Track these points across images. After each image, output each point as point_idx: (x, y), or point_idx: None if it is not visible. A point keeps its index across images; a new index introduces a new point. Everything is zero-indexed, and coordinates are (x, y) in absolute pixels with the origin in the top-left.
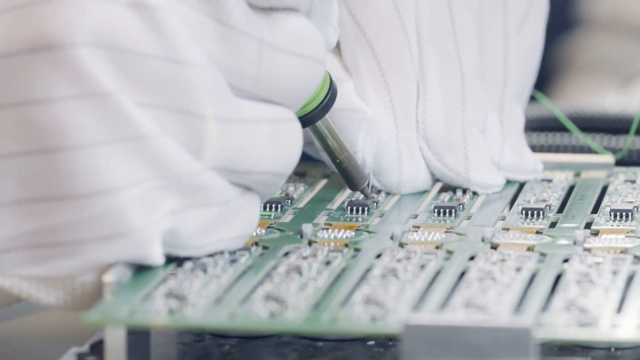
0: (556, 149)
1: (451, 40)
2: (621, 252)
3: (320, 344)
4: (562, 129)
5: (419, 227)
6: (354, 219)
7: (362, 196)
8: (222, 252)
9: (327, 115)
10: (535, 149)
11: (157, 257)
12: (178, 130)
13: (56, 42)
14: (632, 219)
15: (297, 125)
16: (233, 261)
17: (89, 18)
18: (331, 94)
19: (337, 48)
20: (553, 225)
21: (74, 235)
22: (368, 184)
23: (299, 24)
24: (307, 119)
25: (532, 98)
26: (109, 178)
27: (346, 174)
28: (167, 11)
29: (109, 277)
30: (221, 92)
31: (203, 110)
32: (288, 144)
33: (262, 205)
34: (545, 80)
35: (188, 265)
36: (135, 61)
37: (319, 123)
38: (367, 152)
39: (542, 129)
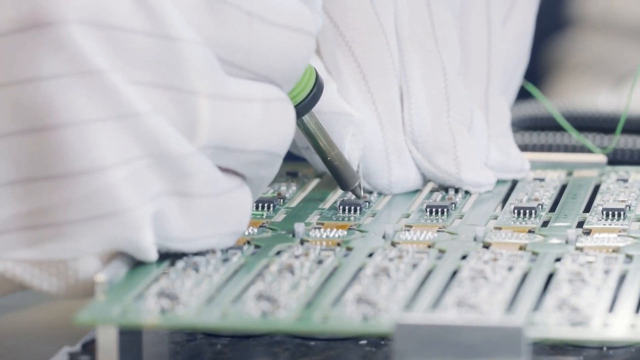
0: (548, 148)
1: (431, 39)
2: (613, 251)
3: (312, 343)
4: (554, 128)
5: (411, 227)
6: (346, 218)
7: (354, 196)
8: (214, 251)
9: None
10: (527, 148)
11: (148, 241)
12: (170, 108)
13: (46, 20)
14: (624, 218)
15: (289, 105)
16: (225, 260)
17: None
18: (317, 87)
19: (318, 50)
20: (545, 224)
21: (65, 216)
22: (359, 185)
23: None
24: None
25: (527, 96)
26: (100, 156)
27: (337, 173)
28: None
29: (100, 277)
30: (213, 69)
31: (195, 87)
32: (281, 123)
33: (255, 204)
34: (538, 79)
35: (180, 264)
36: (125, 38)
37: (307, 120)
38: (353, 155)
39: (534, 128)
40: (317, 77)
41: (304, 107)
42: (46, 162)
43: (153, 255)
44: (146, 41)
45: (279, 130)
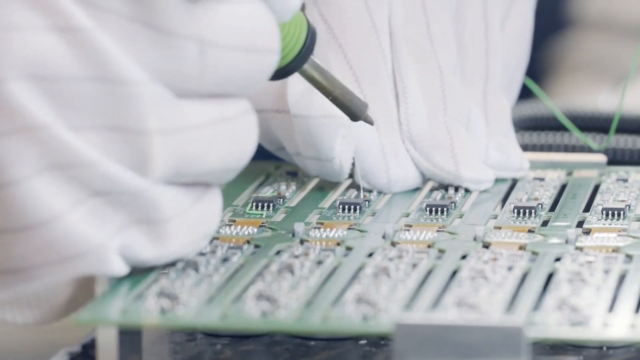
0: (548, 148)
1: (427, 39)
2: (613, 250)
3: (312, 343)
4: (554, 127)
5: (410, 226)
6: (346, 218)
7: (354, 195)
8: (214, 251)
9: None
10: (527, 147)
11: (116, 268)
12: (119, 150)
13: None
14: (624, 218)
15: (250, 118)
16: (225, 260)
17: (15, 52)
18: (310, 38)
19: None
20: (545, 223)
21: (31, 262)
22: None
23: (245, 13)
24: (288, 70)
25: (527, 96)
26: (51, 206)
27: (344, 108)
28: (94, 31)
29: (101, 277)
30: (162, 103)
31: (144, 126)
32: (240, 140)
33: (254, 203)
34: (538, 79)
35: (180, 264)
36: (67, 87)
37: (306, 67)
38: (344, 158)
39: (534, 127)
40: (309, 26)
41: (297, 63)
42: (3, 218)
43: (124, 273)
44: (90, 87)
45: (239, 147)
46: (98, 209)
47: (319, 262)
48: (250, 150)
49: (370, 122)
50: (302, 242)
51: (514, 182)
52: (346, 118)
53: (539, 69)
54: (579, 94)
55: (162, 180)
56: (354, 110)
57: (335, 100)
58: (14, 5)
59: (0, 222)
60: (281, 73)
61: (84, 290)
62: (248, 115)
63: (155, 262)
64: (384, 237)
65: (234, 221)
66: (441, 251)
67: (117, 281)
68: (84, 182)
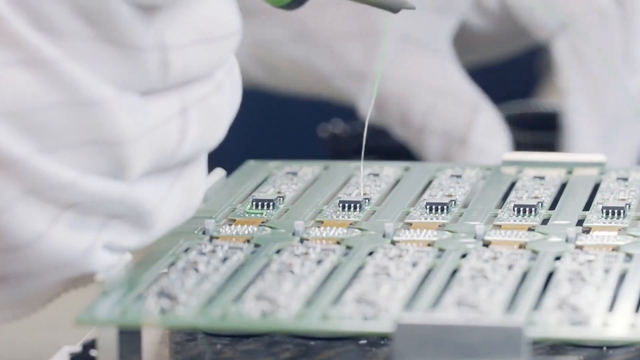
0: (548, 147)
1: None
2: (613, 249)
3: (312, 343)
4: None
5: (410, 224)
6: (346, 217)
7: (354, 194)
8: (214, 251)
9: None
10: (527, 147)
11: (103, 265)
12: (97, 161)
13: None
14: (624, 217)
15: (220, 91)
16: (225, 260)
17: None
18: None
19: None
20: (545, 222)
21: (22, 272)
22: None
23: (203, 8)
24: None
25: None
26: (35, 227)
27: (379, 5)
28: (60, 60)
29: (100, 277)
30: (132, 111)
31: (118, 136)
32: (212, 116)
33: (255, 202)
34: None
35: (180, 264)
36: (40, 117)
37: None
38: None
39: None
40: None
41: None
42: None
43: (111, 265)
44: (63, 112)
45: (211, 125)
46: (79, 217)
47: (319, 262)
48: (225, 121)
49: (412, 7)
50: (302, 241)
51: (514, 181)
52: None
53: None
54: None
55: (140, 177)
56: (388, 2)
57: (367, 1)
58: None
59: None
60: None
61: (67, 285)
62: (217, 91)
63: (143, 246)
64: (384, 236)
65: (234, 220)
66: (441, 250)
67: (117, 281)
68: (64, 200)
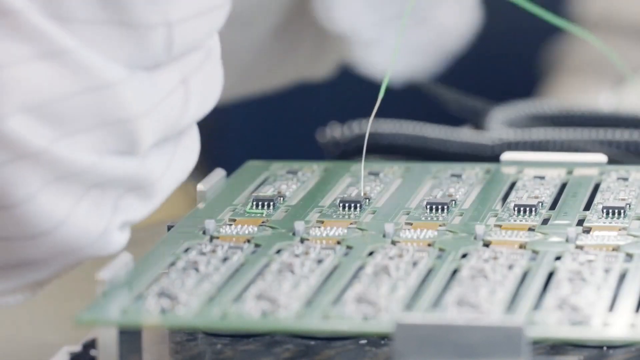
0: (547, 147)
1: None
2: (613, 249)
3: (313, 342)
4: (554, 126)
5: (411, 224)
6: (346, 216)
7: (354, 193)
8: (214, 251)
9: None
10: (526, 146)
11: (119, 246)
12: (112, 140)
13: None
14: (624, 216)
15: (212, 57)
16: (225, 259)
17: (9, 88)
18: None
19: None
20: (545, 222)
21: (43, 257)
22: None
23: None
24: None
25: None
26: (56, 214)
27: None
28: (75, 48)
29: (101, 276)
30: (141, 88)
31: (129, 113)
32: (210, 81)
33: (255, 202)
34: (538, 79)
35: (180, 264)
36: (60, 106)
37: None
38: None
39: (534, 126)
40: None
41: None
42: (17, 229)
43: (124, 244)
44: (79, 99)
45: (210, 88)
46: (96, 199)
47: (319, 261)
48: (220, 83)
49: None
50: (302, 241)
51: (515, 181)
52: None
53: (541, 68)
54: (579, 93)
55: (149, 150)
56: None
57: None
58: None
59: (14, 232)
60: None
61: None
62: (209, 58)
63: (146, 216)
64: (384, 235)
65: (234, 220)
66: (441, 250)
67: (117, 281)
68: (83, 184)
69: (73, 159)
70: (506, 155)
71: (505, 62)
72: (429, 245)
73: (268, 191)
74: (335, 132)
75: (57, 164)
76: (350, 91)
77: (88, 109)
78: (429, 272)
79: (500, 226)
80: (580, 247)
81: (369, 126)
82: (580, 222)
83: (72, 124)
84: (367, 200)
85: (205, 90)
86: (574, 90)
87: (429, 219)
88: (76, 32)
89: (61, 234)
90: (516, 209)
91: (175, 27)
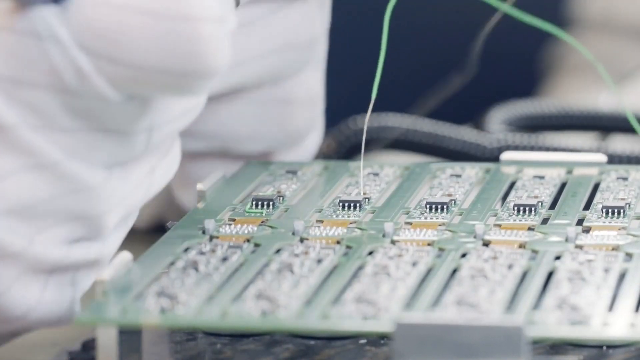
0: (547, 149)
1: None
2: (613, 249)
3: (312, 342)
4: (554, 127)
5: (410, 224)
6: (346, 216)
7: (353, 193)
8: (213, 251)
9: None
10: (526, 147)
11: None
12: (80, 232)
13: None
14: (624, 216)
15: (176, 147)
16: (224, 259)
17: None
18: None
19: None
20: (545, 221)
21: (12, 334)
22: None
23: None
24: None
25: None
26: (26, 302)
27: None
28: (62, 161)
29: (101, 276)
30: (116, 188)
31: (100, 211)
32: (169, 169)
33: (254, 202)
34: (538, 79)
35: (180, 263)
36: (39, 208)
37: None
38: None
39: (533, 127)
40: None
41: None
42: None
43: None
44: (58, 201)
45: (168, 176)
46: (59, 283)
47: (319, 261)
48: (178, 161)
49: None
50: (302, 240)
51: (514, 180)
52: None
53: (540, 69)
54: (579, 94)
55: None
56: None
57: None
58: None
59: None
60: None
61: None
62: (175, 141)
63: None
64: (383, 235)
65: (234, 220)
66: (441, 249)
67: (117, 281)
68: (49, 271)
69: (46, 254)
70: (506, 155)
71: (505, 62)
72: (429, 245)
73: (267, 191)
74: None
75: (32, 259)
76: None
77: (65, 207)
78: (429, 272)
79: (499, 226)
80: (579, 247)
81: (366, 123)
82: (579, 222)
83: (48, 220)
84: (367, 200)
85: (168, 172)
86: (574, 91)
87: (429, 218)
88: (60, 141)
89: (32, 319)
90: (516, 208)
91: (159, 128)
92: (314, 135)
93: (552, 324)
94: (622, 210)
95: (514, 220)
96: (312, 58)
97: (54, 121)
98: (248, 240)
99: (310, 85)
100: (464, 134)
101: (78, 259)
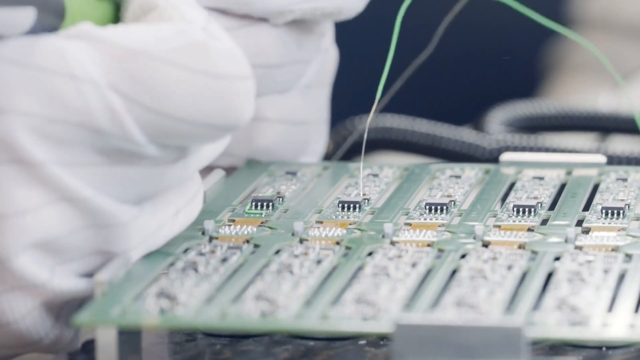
0: (546, 150)
1: None
2: (612, 250)
3: (312, 343)
4: (553, 128)
5: (410, 225)
6: (345, 217)
7: (353, 194)
8: (213, 251)
9: None
10: (525, 148)
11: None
12: (101, 264)
13: None
14: (623, 217)
15: (200, 194)
16: (224, 260)
17: (26, 231)
18: None
19: None
20: (544, 222)
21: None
22: None
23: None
24: None
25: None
26: (38, 330)
27: None
28: (90, 197)
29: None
30: (142, 226)
31: (124, 248)
32: (191, 215)
33: (254, 203)
34: (538, 79)
35: (179, 264)
36: (63, 241)
37: None
38: None
39: (533, 128)
40: None
41: None
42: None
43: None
44: (82, 235)
45: (188, 222)
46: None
47: (319, 262)
48: (199, 207)
49: None
50: (301, 241)
51: (514, 181)
52: None
53: (540, 69)
54: (579, 94)
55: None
56: None
57: None
58: (15, 189)
59: (6, 343)
60: None
61: None
62: (199, 189)
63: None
64: (383, 236)
65: (234, 221)
66: (440, 250)
67: (117, 281)
68: (63, 303)
69: (66, 285)
70: (505, 156)
71: (505, 62)
72: (428, 245)
73: (267, 192)
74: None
75: (52, 291)
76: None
77: (91, 242)
78: (428, 273)
79: (499, 227)
80: (579, 248)
81: (367, 128)
82: (579, 223)
83: (73, 253)
84: (366, 200)
85: (190, 217)
86: (574, 91)
87: (428, 219)
88: (91, 176)
89: (43, 346)
90: (515, 209)
91: (191, 160)
92: (314, 150)
93: (552, 325)
94: (621, 211)
95: (514, 221)
96: (289, 82)
97: (84, 157)
98: (247, 241)
99: (285, 108)
100: (463, 135)
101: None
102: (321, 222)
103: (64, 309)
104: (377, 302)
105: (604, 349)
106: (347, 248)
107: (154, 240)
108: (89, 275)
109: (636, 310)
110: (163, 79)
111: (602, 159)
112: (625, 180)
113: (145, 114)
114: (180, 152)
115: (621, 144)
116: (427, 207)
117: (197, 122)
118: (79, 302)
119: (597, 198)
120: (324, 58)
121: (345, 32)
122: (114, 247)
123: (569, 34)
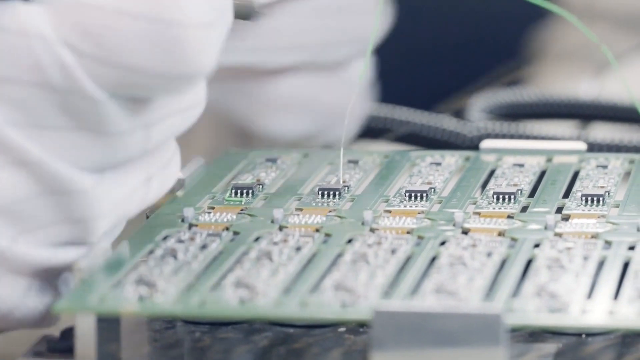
0: (527, 138)
1: None
2: (592, 237)
3: (291, 330)
4: (534, 115)
5: (390, 212)
6: (325, 204)
7: (333, 181)
8: (192, 239)
9: None
10: (506, 136)
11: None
12: (67, 237)
13: None
14: (603, 204)
15: (176, 160)
16: (203, 247)
17: None
18: None
19: None
20: (524, 209)
21: None
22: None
23: None
24: None
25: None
26: (9, 301)
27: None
28: (45, 161)
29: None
30: (107, 193)
31: (90, 216)
32: (166, 183)
33: (234, 190)
34: (520, 67)
35: (159, 251)
36: (20, 207)
37: None
38: None
39: (513, 115)
40: None
41: None
42: None
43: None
44: (40, 201)
45: (165, 187)
46: (42, 284)
47: (298, 249)
48: (177, 172)
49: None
50: (281, 228)
51: (494, 168)
52: None
53: (521, 56)
54: (560, 82)
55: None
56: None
57: None
58: None
59: None
60: None
61: None
62: (175, 155)
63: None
64: (362, 223)
65: (213, 208)
66: (420, 237)
67: (95, 269)
68: (34, 274)
69: (30, 254)
70: (485, 143)
71: (486, 49)
72: (408, 232)
73: (247, 179)
74: None
75: (15, 259)
76: None
77: (51, 208)
78: (408, 260)
79: (479, 214)
80: (559, 235)
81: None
82: (559, 210)
83: (33, 221)
84: (346, 188)
85: (166, 183)
86: (555, 79)
87: (408, 206)
88: (45, 140)
89: (14, 319)
90: (495, 196)
91: (154, 127)
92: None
93: (531, 312)
94: (601, 199)
95: (494, 208)
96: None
97: (38, 119)
98: (227, 229)
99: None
100: (444, 122)
101: (63, 263)
102: (301, 210)
103: (35, 282)
104: (357, 289)
105: (583, 335)
106: (327, 235)
107: (126, 207)
108: (63, 245)
109: (615, 297)
110: (113, 30)
111: (582, 146)
112: (605, 167)
113: (98, 67)
114: (142, 115)
115: (602, 132)
116: (407, 194)
117: (150, 72)
118: (54, 275)
119: (577, 185)
120: None
121: None
122: (78, 215)
123: (566, 15)
